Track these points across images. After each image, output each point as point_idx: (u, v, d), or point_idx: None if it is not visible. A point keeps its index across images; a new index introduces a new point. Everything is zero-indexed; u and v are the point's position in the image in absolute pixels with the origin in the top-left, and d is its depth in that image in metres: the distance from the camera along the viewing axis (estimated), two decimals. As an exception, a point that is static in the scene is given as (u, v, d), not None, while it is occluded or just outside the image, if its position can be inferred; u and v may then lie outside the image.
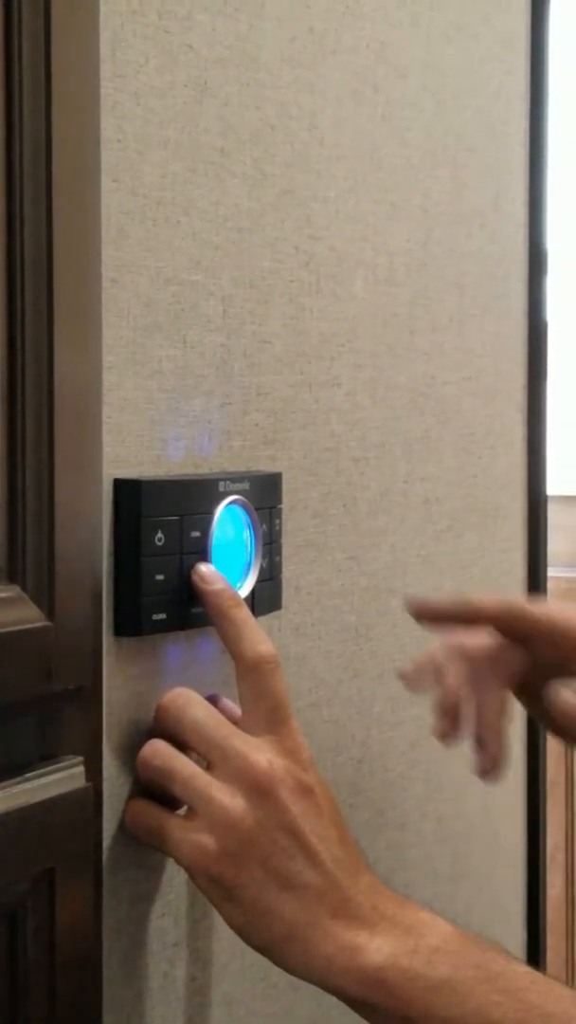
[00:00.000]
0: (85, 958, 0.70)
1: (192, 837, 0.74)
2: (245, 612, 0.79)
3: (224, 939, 0.86)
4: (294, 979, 0.76)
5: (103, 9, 0.73)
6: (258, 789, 0.74)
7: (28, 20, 0.63)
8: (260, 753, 0.75)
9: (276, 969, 0.76)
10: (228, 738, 0.76)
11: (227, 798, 0.74)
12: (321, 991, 0.76)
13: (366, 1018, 0.75)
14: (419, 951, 0.74)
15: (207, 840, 0.74)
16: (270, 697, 0.78)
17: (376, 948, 0.74)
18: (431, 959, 0.74)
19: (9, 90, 0.63)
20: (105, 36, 0.74)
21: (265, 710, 0.77)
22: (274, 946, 0.75)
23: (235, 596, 0.79)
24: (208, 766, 0.76)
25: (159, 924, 0.80)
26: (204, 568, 0.79)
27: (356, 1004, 0.75)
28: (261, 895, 0.74)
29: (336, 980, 0.74)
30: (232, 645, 0.78)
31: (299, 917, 0.74)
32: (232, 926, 0.75)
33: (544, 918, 1.38)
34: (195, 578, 0.79)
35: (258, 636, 0.78)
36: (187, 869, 0.75)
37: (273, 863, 0.74)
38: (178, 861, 0.75)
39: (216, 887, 0.74)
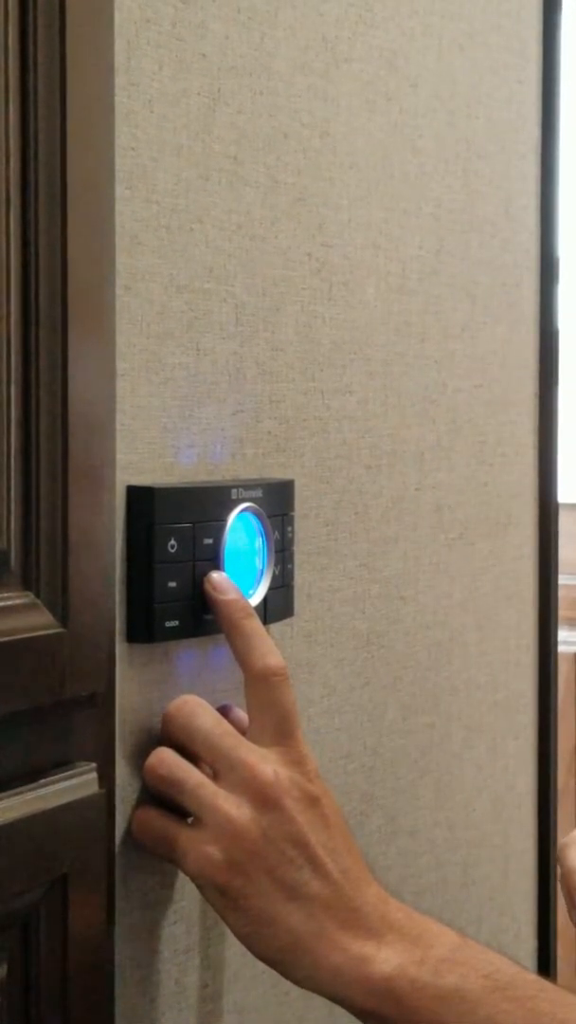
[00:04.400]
0: (98, 964, 0.70)
1: (198, 847, 0.74)
2: (255, 623, 0.79)
3: (236, 946, 0.85)
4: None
5: (118, 17, 0.73)
6: (264, 799, 0.74)
7: (43, 28, 0.63)
8: (266, 763, 0.75)
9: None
10: (235, 748, 0.76)
11: (233, 808, 0.74)
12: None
13: None
14: (427, 961, 0.74)
15: (213, 850, 0.73)
16: (278, 709, 0.78)
17: (384, 959, 0.74)
18: (439, 969, 0.74)
19: (24, 98, 0.63)
20: (120, 44, 0.74)
21: (272, 721, 0.77)
22: (281, 957, 0.75)
23: (246, 606, 0.79)
24: (215, 775, 0.76)
25: (171, 931, 0.80)
26: (216, 576, 0.79)
27: (364, 1015, 0.75)
28: (267, 905, 0.74)
29: (344, 991, 0.74)
30: (241, 656, 0.78)
31: (306, 927, 0.74)
32: (238, 936, 0.75)
33: (554, 926, 1.38)
34: (207, 586, 0.79)
35: (267, 647, 0.78)
36: (193, 879, 0.75)
37: (279, 873, 0.74)
38: (184, 870, 0.75)
39: (222, 897, 0.74)
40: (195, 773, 0.75)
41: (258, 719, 0.78)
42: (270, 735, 0.77)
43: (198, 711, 0.77)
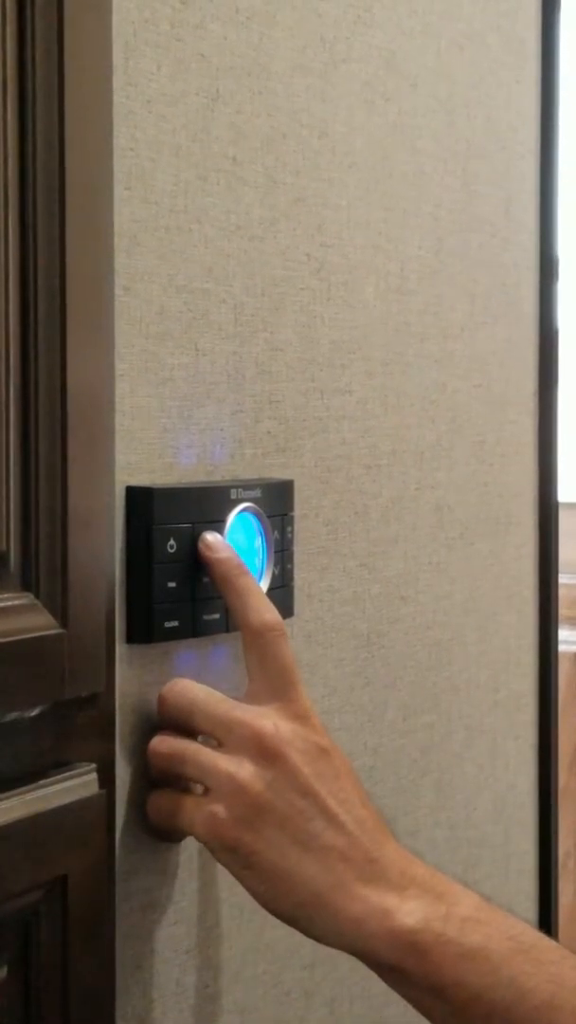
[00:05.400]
0: (98, 965, 0.70)
1: (204, 808, 0.73)
2: (251, 580, 0.79)
3: (236, 946, 0.86)
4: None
5: (116, 18, 0.73)
6: (265, 753, 0.74)
7: (41, 28, 0.63)
8: (265, 719, 0.75)
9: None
10: (229, 711, 0.75)
11: (234, 766, 0.73)
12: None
13: (395, 987, 0.74)
14: (451, 918, 0.73)
15: (219, 808, 0.73)
16: (276, 665, 0.77)
17: (408, 911, 0.73)
18: (463, 927, 0.73)
19: (23, 98, 0.63)
20: (118, 45, 0.74)
21: (271, 678, 0.77)
22: (300, 912, 0.73)
23: (241, 565, 0.79)
24: (218, 745, 0.75)
25: (171, 931, 0.80)
26: (210, 536, 0.79)
27: (386, 970, 0.74)
28: (281, 859, 0.73)
29: (366, 943, 0.73)
30: (237, 613, 0.78)
31: (323, 879, 0.73)
32: (255, 895, 0.74)
33: (556, 926, 1.38)
34: (201, 546, 0.78)
35: (264, 604, 0.78)
36: (204, 842, 0.75)
37: (291, 826, 0.73)
38: (195, 836, 0.75)
39: (234, 856, 0.73)
40: (194, 743, 0.76)
41: (257, 676, 0.77)
42: (270, 692, 0.76)
43: (190, 686, 0.77)
